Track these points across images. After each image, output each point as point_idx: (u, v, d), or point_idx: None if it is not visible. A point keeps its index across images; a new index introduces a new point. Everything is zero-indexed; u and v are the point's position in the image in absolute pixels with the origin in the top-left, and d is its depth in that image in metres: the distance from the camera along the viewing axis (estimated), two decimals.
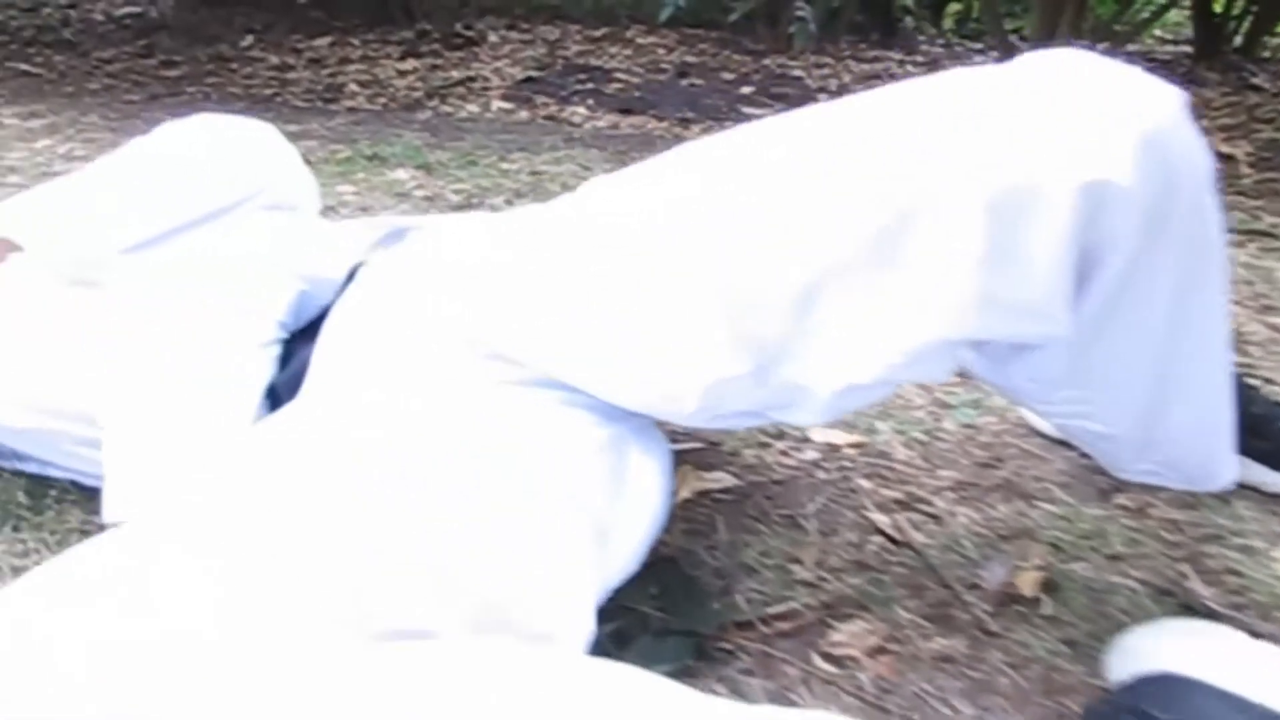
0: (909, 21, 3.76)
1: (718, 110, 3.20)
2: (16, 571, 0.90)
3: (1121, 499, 1.01)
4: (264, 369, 0.81)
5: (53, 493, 1.01)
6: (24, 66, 3.76)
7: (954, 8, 3.61)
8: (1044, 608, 0.86)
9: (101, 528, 0.94)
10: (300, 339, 0.83)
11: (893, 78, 3.41)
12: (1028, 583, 0.88)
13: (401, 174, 2.32)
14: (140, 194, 0.98)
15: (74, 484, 1.01)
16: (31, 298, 0.93)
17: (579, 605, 0.65)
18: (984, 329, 0.64)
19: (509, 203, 2.08)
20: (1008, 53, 1.92)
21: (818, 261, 0.63)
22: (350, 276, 0.86)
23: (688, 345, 0.66)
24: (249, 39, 4.13)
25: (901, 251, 0.62)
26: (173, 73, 3.73)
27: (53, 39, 4.27)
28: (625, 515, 0.73)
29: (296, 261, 0.87)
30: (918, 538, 0.95)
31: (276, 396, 0.81)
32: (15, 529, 0.97)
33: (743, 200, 0.67)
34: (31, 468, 1.02)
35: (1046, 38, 2.95)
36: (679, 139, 2.96)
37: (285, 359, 0.82)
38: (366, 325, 0.79)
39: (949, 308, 0.62)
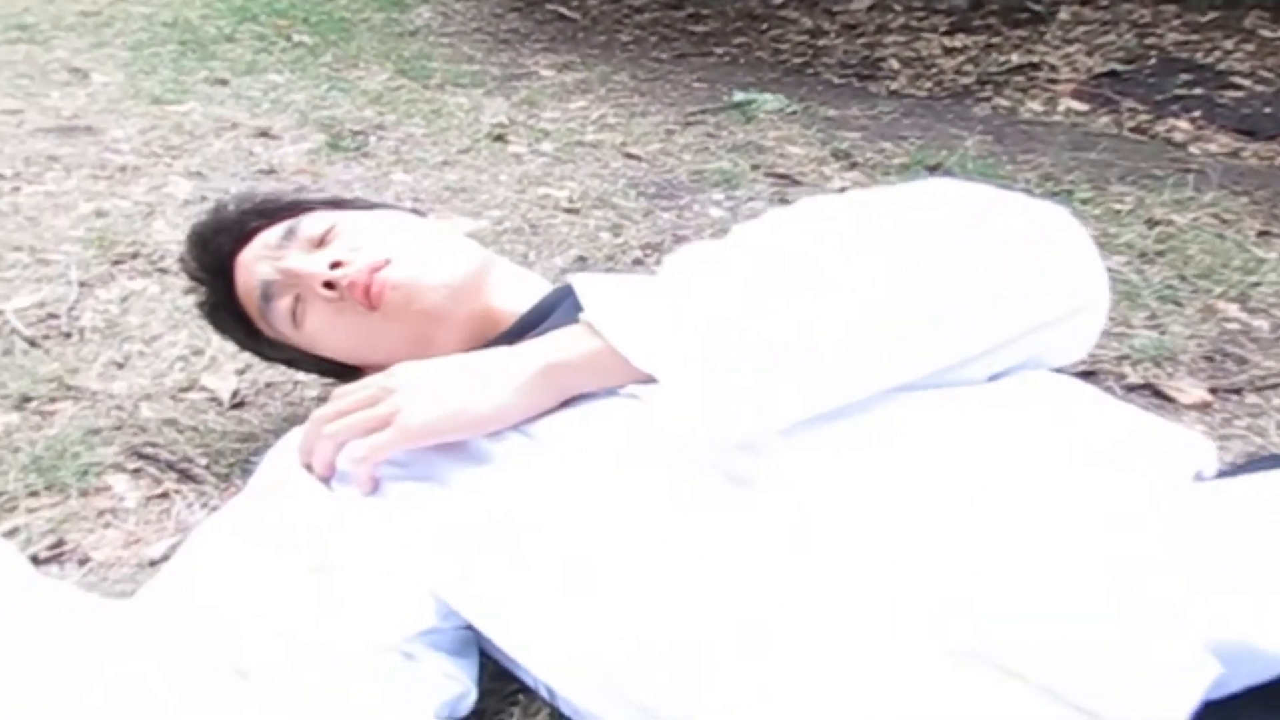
0: None
1: None
2: None
3: None
4: None
5: None
6: (562, 10, 3.75)
7: None
8: None
9: None
10: None
11: None
12: None
13: None
14: (859, 332, 0.59)
15: None
16: (663, 484, 0.58)
17: None
18: None
19: (1140, 275, 1.51)
20: None
21: None
22: None
23: None
24: None
25: None
26: (700, 29, 3.52)
27: None
28: None
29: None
30: None
31: None
32: None
33: None
34: None
35: None
36: None
37: None
38: None
39: None
